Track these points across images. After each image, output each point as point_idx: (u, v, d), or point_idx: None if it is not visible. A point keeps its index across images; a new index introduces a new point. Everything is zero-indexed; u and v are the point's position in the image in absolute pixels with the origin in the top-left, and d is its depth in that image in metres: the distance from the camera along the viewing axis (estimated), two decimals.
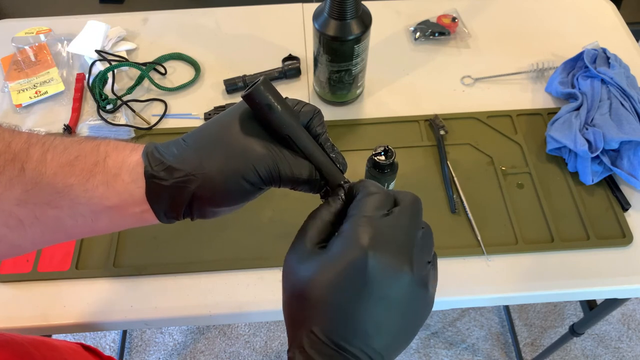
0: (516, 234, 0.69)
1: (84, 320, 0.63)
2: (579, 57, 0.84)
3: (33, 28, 0.93)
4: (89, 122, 0.80)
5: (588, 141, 0.72)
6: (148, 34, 0.94)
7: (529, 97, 0.85)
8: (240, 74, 0.85)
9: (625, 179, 0.72)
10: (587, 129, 0.73)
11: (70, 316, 0.63)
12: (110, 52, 0.88)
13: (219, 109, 0.82)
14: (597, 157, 0.72)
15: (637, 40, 0.98)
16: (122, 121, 0.80)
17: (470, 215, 0.70)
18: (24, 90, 0.84)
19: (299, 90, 0.86)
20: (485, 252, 0.67)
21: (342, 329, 0.32)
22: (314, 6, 0.75)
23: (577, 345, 1.45)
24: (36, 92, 0.84)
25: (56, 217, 0.35)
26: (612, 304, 0.87)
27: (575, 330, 1.05)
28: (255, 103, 0.35)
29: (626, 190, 0.73)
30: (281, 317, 0.66)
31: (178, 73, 0.89)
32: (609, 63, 0.81)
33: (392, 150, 0.63)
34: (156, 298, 0.65)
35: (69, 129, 0.80)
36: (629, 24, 0.95)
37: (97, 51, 0.86)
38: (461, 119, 0.81)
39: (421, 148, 0.78)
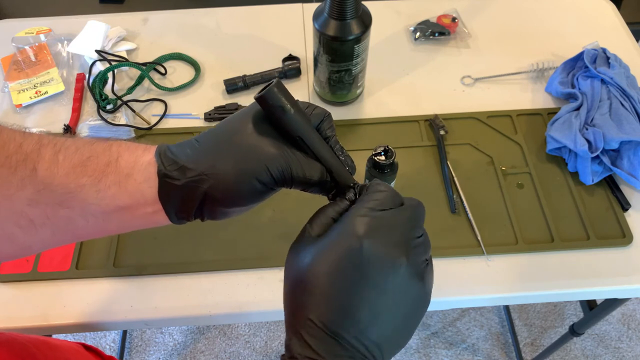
0: (516, 234, 0.69)
1: (84, 320, 0.63)
2: (579, 57, 0.84)
3: (33, 28, 0.93)
4: (89, 122, 0.80)
5: (588, 141, 0.72)
6: (148, 34, 0.94)
7: (529, 97, 0.85)
8: (240, 74, 0.85)
9: (625, 179, 0.72)
10: (587, 129, 0.73)
11: (70, 316, 0.63)
12: (111, 52, 0.88)
13: (219, 109, 0.82)
14: (597, 157, 0.72)
15: (637, 40, 0.98)
16: (122, 121, 0.80)
17: (470, 215, 0.70)
18: (24, 90, 0.84)
19: (299, 90, 0.86)
20: (485, 252, 0.67)
21: (338, 316, 0.32)
22: (314, 6, 0.75)
23: (577, 345, 1.45)
24: (36, 92, 0.84)
25: (67, 218, 0.35)
26: (612, 304, 0.87)
27: (575, 330, 1.05)
28: (268, 105, 0.35)
29: (626, 190, 0.73)
30: (281, 317, 0.66)
31: (178, 73, 0.89)
32: (609, 63, 0.81)
33: (392, 150, 0.63)
34: (156, 298, 0.65)
35: (69, 129, 0.80)
36: (629, 24, 0.95)
37: (97, 51, 0.86)
38: (461, 119, 0.81)
39: (421, 148, 0.78)
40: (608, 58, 0.82)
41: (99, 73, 0.84)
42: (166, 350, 1.45)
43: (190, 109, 0.83)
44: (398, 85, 0.87)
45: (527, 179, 0.75)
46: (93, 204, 0.35)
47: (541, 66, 0.87)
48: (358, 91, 0.82)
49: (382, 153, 0.63)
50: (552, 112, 0.81)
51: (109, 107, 0.82)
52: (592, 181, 0.72)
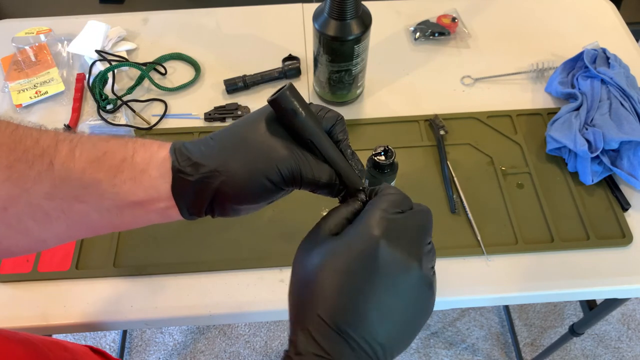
0: (516, 234, 0.69)
1: (84, 320, 0.63)
2: (579, 57, 0.84)
3: (33, 28, 0.93)
4: (89, 122, 0.80)
5: (588, 141, 0.72)
6: (148, 34, 0.94)
7: (529, 97, 0.85)
8: (240, 74, 0.85)
9: (625, 179, 0.72)
10: (587, 129, 0.73)
11: (70, 316, 0.63)
12: (111, 52, 0.88)
13: (219, 109, 0.82)
14: (597, 157, 0.72)
15: (637, 40, 0.98)
16: (122, 121, 0.80)
17: (470, 215, 0.70)
18: (24, 90, 0.84)
19: (299, 90, 0.85)
20: (485, 252, 0.68)
21: (347, 314, 0.32)
22: (314, 6, 0.75)
23: (577, 345, 1.45)
24: (36, 92, 0.84)
25: (82, 212, 0.36)
26: (612, 304, 0.87)
27: (575, 330, 1.05)
28: (281, 108, 0.36)
29: (626, 190, 0.73)
30: (281, 317, 0.66)
31: (178, 73, 0.89)
32: (608, 63, 0.81)
33: (392, 150, 0.63)
34: (156, 298, 0.65)
35: (69, 129, 0.80)
36: (629, 24, 0.95)
37: (97, 51, 0.86)
38: (461, 119, 0.81)
39: (421, 148, 0.78)
40: (608, 58, 0.82)
41: (99, 73, 0.84)
42: (166, 350, 1.45)
43: (190, 109, 0.83)
44: (398, 85, 0.87)
45: (527, 179, 0.75)
46: (108, 199, 0.36)
47: (541, 66, 0.87)
48: (358, 91, 0.82)
49: (382, 153, 0.63)
50: (552, 112, 0.81)
51: (109, 107, 0.82)
52: (592, 181, 0.72)
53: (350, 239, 0.34)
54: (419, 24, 0.94)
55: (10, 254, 0.38)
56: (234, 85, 0.84)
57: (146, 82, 0.87)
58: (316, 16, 0.72)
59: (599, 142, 0.71)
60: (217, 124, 0.81)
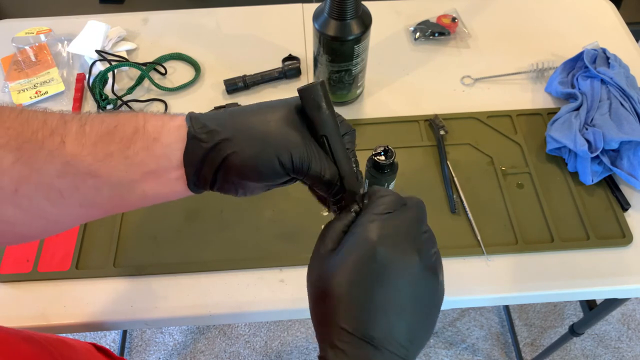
0: (516, 234, 0.69)
1: (84, 320, 0.63)
2: (579, 57, 0.84)
3: (33, 28, 0.93)
4: None
5: (588, 141, 0.72)
6: (148, 34, 0.94)
7: (529, 97, 0.85)
8: (240, 74, 0.85)
9: (625, 179, 0.72)
10: (587, 129, 0.73)
11: (70, 316, 0.63)
12: (111, 52, 0.88)
13: (219, 109, 0.82)
14: (597, 157, 0.72)
15: (637, 40, 0.98)
16: None
17: (470, 215, 0.70)
18: (24, 91, 0.84)
19: None
20: (485, 252, 0.68)
21: (365, 318, 0.33)
22: (314, 6, 0.75)
23: (577, 345, 1.45)
24: (36, 92, 0.84)
25: (95, 187, 0.36)
26: (612, 304, 0.87)
27: (575, 330, 1.05)
28: (309, 98, 0.37)
29: (626, 190, 0.73)
30: (281, 317, 0.66)
31: (178, 73, 0.89)
32: (608, 63, 0.81)
33: (392, 150, 0.63)
34: (156, 298, 0.65)
35: None
36: (629, 24, 0.95)
37: (97, 51, 0.86)
38: (461, 119, 0.81)
39: (421, 148, 0.78)
40: (608, 58, 0.82)
41: (99, 73, 0.84)
42: (166, 350, 1.45)
43: (190, 109, 0.82)
44: (398, 85, 0.87)
45: (527, 179, 0.75)
46: (121, 171, 0.36)
47: (541, 66, 0.87)
48: (358, 91, 0.82)
49: (382, 153, 0.63)
50: (552, 112, 0.81)
51: (109, 107, 0.82)
52: (592, 181, 0.72)
53: (349, 249, 0.35)
54: (419, 24, 0.94)
55: (24, 239, 0.38)
56: (234, 85, 0.84)
57: (146, 82, 0.87)
58: (316, 16, 0.72)
59: (599, 142, 0.71)
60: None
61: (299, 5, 0.99)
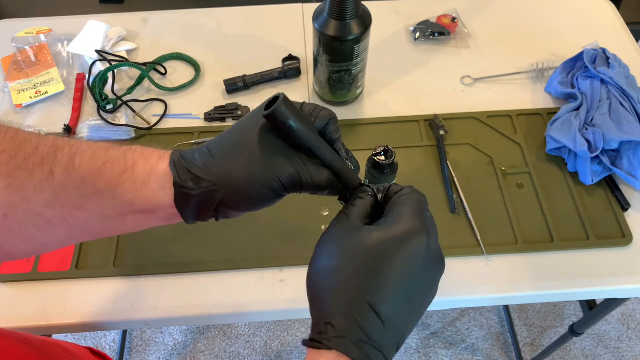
0: (516, 234, 0.69)
1: (84, 320, 0.63)
2: (579, 57, 0.84)
3: (33, 28, 0.93)
4: (89, 122, 0.80)
5: (588, 141, 0.72)
6: (148, 34, 0.94)
7: (529, 97, 0.85)
8: (240, 74, 0.85)
9: (625, 179, 0.72)
10: (586, 129, 0.73)
11: (70, 316, 0.63)
12: (111, 52, 0.88)
13: (219, 109, 0.82)
14: (597, 157, 0.72)
15: (637, 40, 0.98)
16: (122, 121, 0.80)
17: (470, 215, 0.70)
18: (24, 90, 0.84)
19: (299, 90, 0.86)
20: (485, 252, 0.68)
21: (400, 303, 0.34)
22: (314, 6, 0.75)
23: (576, 345, 1.45)
24: (36, 92, 0.84)
25: (84, 219, 0.36)
26: (612, 304, 0.87)
27: (575, 330, 1.05)
28: (277, 122, 0.37)
29: (626, 190, 0.73)
30: (281, 317, 0.66)
31: (178, 73, 0.89)
32: (608, 63, 0.81)
33: (392, 150, 0.63)
34: (156, 298, 0.65)
35: (69, 129, 0.80)
36: (628, 24, 0.95)
37: (97, 51, 0.86)
38: (461, 119, 0.81)
39: (421, 148, 0.78)
40: (608, 58, 0.82)
41: (99, 73, 0.84)
42: (166, 350, 1.45)
43: (190, 109, 0.83)
44: (398, 85, 0.87)
45: (527, 179, 0.75)
46: (110, 208, 0.36)
47: (541, 66, 0.87)
48: (358, 91, 0.82)
49: (382, 153, 0.63)
50: (552, 112, 0.81)
51: (109, 107, 0.82)
52: (592, 181, 0.72)
53: (404, 230, 0.35)
54: (419, 24, 0.94)
55: (11, 257, 0.38)
56: (234, 85, 0.84)
57: (146, 82, 0.86)
58: (316, 16, 0.72)
59: (599, 142, 0.71)
60: (217, 124, 0.81)
61: (299, 5, 0.99)
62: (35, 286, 0.66)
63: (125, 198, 0.36)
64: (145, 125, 0.81)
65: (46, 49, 0.90)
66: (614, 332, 1.47)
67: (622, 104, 0.75)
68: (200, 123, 0.81)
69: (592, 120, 0.75)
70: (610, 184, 0.73)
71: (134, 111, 0.82)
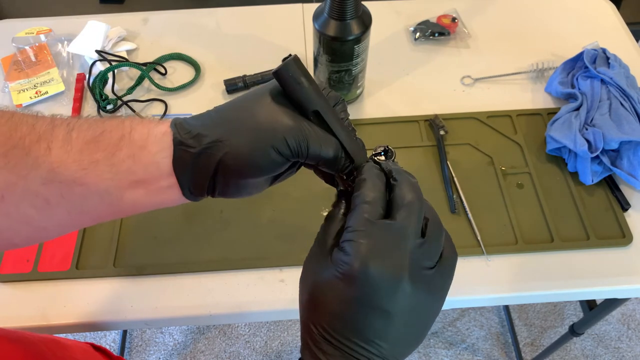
0: (516, 234, 0.69)
1: (84, 320, 0.63)
2: (579, 57, 0.84)
3: (33, 28, 0.93)
4: None
5: (588, 141, 0.72)
6: (148, 34, 0.94)
7: (529, 97, 0.85)
8: (240, 74, 0.85)
9: (625, 179, 0.72)
10: (586, 129, 0.73)
11: (70, 316, 0.63)
12: (111, 52, 0.88)
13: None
14: (597, 157, 0.72)
15: (637, 40, 0.98)
16: None
17: (470, 215, 0.70)
18: (24, 91, 0.84)
19: None
20: (485, 252, 0.68)
21: (347, 330, 0.33)
22: (314, 6, 0.75)
23: (577, 345, 1.45)
24: (36, 92, 0.84)
25: (82, 195, 0.35)
26: (612, 304, 0.87)
27: (575, 330, 1.05)
28: (286, 77, 0.35)
29: (626, 190, 0.73)
30: (281, 317, 0.66)
31: (178, 73, 0.89)
32: (608, 63, 0.81)
33: (392, 150, 0.62)
34: (156, 298, 0.65)
35: None
36: (629, 24, 0.95)
37: (97, 51, 0.86)
38: (461, 119, 0.81)
39: (421, 148, 0.78)
40: (608, 58, 0.82)
41: (99, 73, 0.84)
42: (166, 350, 1.45)
43: (190, 109, 0.83)
44: (398, 85, 0.87)
45: (527, 179, 0.75)
46: (107, 179, 0.35)
47: (541, 66, 0.87)
48: (358, 91, 0.82)
49: (382, 153, 0.63)
50: (552, 112, 0.81)
51: (109, 107, 0.82)
52: (592, 181, 0.72)
53: (338, 266, 0.33)
54: (419, 24, 0.94)
55: (12, 245, 0.37)
56: (234, 85, 0.84)
57: (146, 82, 0.87)
58: (316, 16, 0.72)
59: (599, 142, 0.71)
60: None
61: (299, 5, 0.99)
62: (35, 286, 0.66)
63: (122, 167, 0.35)
64: None
65: (46, 49, 0.90)
66: (614, 332, 1.47)
67: (622, 104, 0.75)
68: None
69: (592, 120, 0.75)
70: (610, 184, 0.73)
71: (134, 111, 0.82)
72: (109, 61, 0.86)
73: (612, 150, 0.73)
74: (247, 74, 0.85)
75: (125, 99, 0.83)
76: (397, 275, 0.32)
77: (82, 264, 0.67)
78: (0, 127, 0.33)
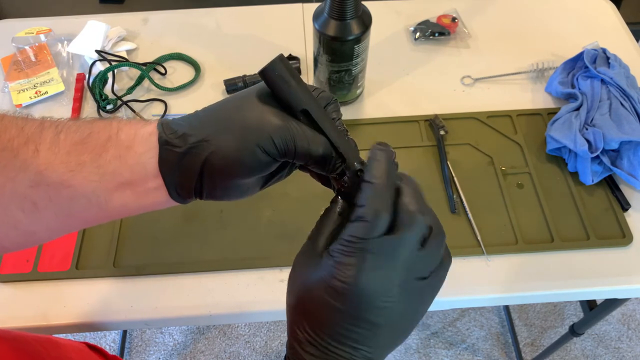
0: (516, 234, 0.69)
1: (84, 320, 0.63)
2: (579, 57, 0.84)
3: (33, 28, 0.93)
4: None
5: (588, 141, 0.72)
6: (148, 34, 0.94)
7: (529, 97, 0.85)
8: (240, 74, 0.85)
9: (625, 179, 0.72)
10: (587, 129, 0.73)
11: (70, 316, 0.63)
12: (111, 52, 0.88)
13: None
14: (597, 157, 0.72)
15: (637, 40, 0.98)
16: None
17: (470, 215, 0.70)
18: (24, 91, 0.84)
19: None
20: (485, 252, 0.68)
21: (332, 335, 0.33)
22: (314, 6, 0.75)
23: (577, 345, 1.45)
24: (36, 92, 0.84)
25: (70, 197, 0.34)
26: (612, 304, 0.87)
27: (575, 331, 1.05)
28: (272, 77, 0.34)
29: (626, 190, 0.73)
30: (281, 317, 0.66)
31: (178, 73, 0.89)
32: (608, 63, 0.81)
33: (392, 150, 0.63)
34: (156, 298, 0.65)
35: None
36: (629, 24, 0.95)
37: (97, 51, 0.86)
38: (461, 119, 0.81)
39: (421, 148, 0.78)
40: (608, 58, 0.82)
41: (99, 73, 0.84)
42: (166, 350, 1.45)
43: (190, 109, 0.83)
44: (398, 85, 0.87)
45: (527, 179, 0.75)
46: (94, 181, 0.34)
47: (541, 66, 0.87)
48: (358, 91, 0.82)
49: None
50: (552, 112, 0.81)
51: (109, 107, 0.82)
52: (592, 181, 0.72)
53: (325, 275, 0.32)
54: (419, 24, 0.94)
55: (4, 249, 0.37)
56: (234, 85, 0.84)
57: (146, 82, 0.86)
58: (316, 16, 0.72)
59: (599, 142, 0.71)
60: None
61: (299, 5, 0.99)
62: (35, 286, 0.66)
63: (109, 168, 0.34)
64: None
65: (46, 49, 0.90)
66: (614, 332, 1.47)
67: (622, 104, 0.75)
68: None
69: (592, 120, 0.75)
70: (611, 184, 0.73)
71: (134, 111, 0.82)
72: (109, 61, 0.86)
73: (612, 150, 0.73)
74: (247, 74, 0.85)
75: (125, 99, 0.83)
76: (388, 292, 0.32)
77: (82, 264, 0.67)
78: None
